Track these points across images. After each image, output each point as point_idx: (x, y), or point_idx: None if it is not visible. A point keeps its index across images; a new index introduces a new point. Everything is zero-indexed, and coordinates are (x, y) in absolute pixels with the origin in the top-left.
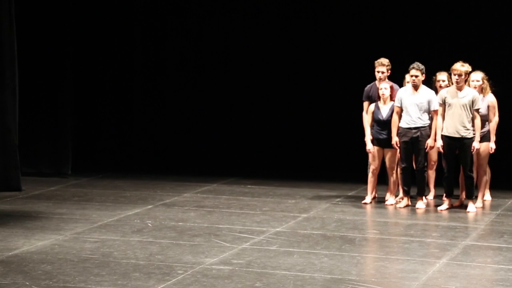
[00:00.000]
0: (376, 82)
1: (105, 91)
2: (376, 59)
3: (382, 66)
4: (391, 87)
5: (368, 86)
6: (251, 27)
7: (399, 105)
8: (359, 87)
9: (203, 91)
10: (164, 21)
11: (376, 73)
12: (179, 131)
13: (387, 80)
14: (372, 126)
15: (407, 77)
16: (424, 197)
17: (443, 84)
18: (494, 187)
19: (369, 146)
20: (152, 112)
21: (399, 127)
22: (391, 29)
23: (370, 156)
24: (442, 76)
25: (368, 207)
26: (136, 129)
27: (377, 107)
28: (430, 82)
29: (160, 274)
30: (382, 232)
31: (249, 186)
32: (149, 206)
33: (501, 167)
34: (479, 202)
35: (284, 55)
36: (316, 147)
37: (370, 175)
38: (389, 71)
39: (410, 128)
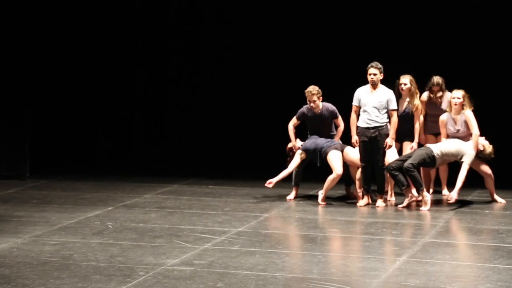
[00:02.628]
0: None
1: (63, 92)
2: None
3: (312, 95)
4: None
5: (305, 107)
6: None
7: (357, 104)
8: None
9: (162, 92)
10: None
11: (308, 102)
12: (139, 132)
13: (321, 104)
14: None
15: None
16: (383, 197)
17: (404, 87)
18: (453, 185)
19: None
20: (112, 113)
21: (357, 127)
22: (386, 31)
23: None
24: (404, 79)
25: (330, 206)
26: (95, 131)
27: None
28: (393, 85)
29: (121, 276)
30: (343, 230)
31: (210, 186)
32: (110, 208)
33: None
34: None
35: (260, 57)
36: (277, 147)
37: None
38: (321, 98)
39: (368, 128)
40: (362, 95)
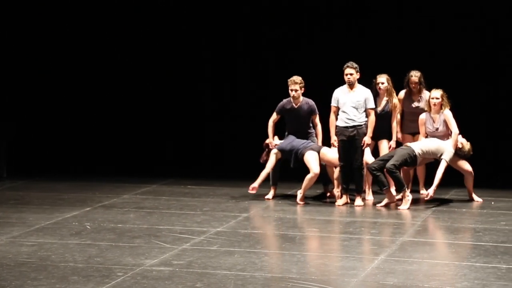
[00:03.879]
0: (291, 99)
1: (41, 93)
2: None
3: (295, 84)
4: None
5: (285, 100)
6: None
7: (336, 105)
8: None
9: (137, 92)
10: None
11: (290, 91)
12: (117, 132)
13: (301, 97)
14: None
15: None
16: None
17: (382, 86)
18: (431, 184)
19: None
20: (91, 114)
21: (336, 126)
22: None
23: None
24: (381, 78)
25: (308, 205)
26: (74, 131)
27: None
28: (370, 85)
29: (99, 276)
30: (322, 230)
31: (189, 186)
32: (88, 208)
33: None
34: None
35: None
36: (256, 147)
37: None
38: (303, 89)
39: (347, 127)
40: (340, 95)
